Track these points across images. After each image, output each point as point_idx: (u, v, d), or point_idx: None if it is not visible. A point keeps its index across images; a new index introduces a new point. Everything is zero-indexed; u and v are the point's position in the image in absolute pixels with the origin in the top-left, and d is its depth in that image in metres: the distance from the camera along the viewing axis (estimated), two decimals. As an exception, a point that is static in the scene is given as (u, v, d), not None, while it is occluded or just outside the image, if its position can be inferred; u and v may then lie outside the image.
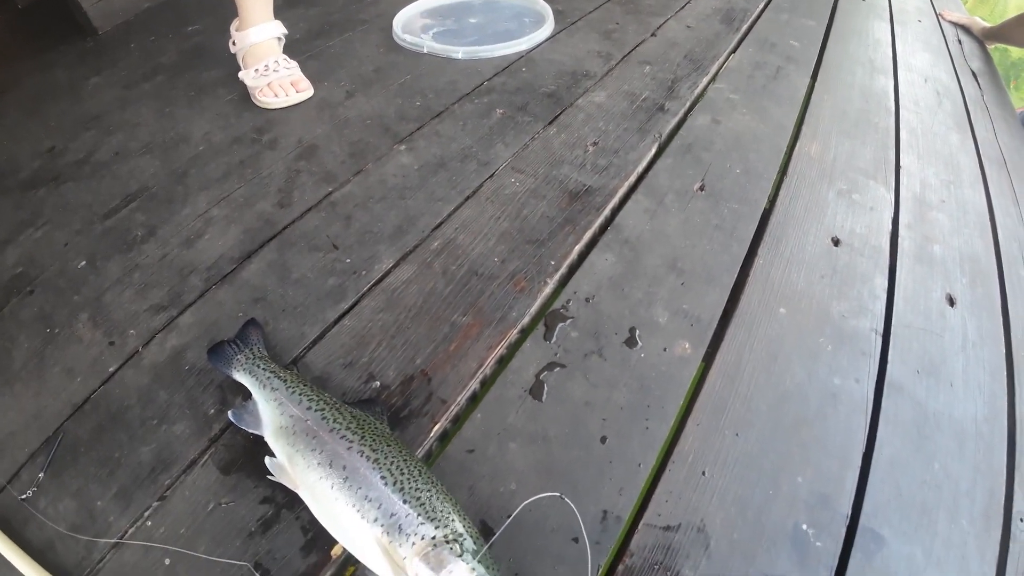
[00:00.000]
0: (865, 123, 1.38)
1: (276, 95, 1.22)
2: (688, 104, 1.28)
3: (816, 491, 0.68)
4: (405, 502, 0.54)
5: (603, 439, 0.70)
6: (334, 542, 0.59)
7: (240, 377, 0.69)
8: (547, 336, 0.80)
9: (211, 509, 0.62)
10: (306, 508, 0.59)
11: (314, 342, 0.78)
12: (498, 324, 0.80)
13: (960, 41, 2.21)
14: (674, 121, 1.22)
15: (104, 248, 0.92)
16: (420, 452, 0.68)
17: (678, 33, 1.57)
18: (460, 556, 0.52)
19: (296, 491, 0.59)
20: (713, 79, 1.40)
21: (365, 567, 0.55)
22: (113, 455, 0.67)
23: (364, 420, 0.62)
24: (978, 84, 1.94)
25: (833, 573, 0.63)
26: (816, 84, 1.47)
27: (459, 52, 1.40)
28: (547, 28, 1.51)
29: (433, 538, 0.53)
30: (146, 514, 0.62)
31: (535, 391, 0.74)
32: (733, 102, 1.31)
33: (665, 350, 0.80)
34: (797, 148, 1.22)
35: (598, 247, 0.93)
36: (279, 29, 1.25)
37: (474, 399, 0.74)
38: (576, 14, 1.64)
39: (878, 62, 1.70)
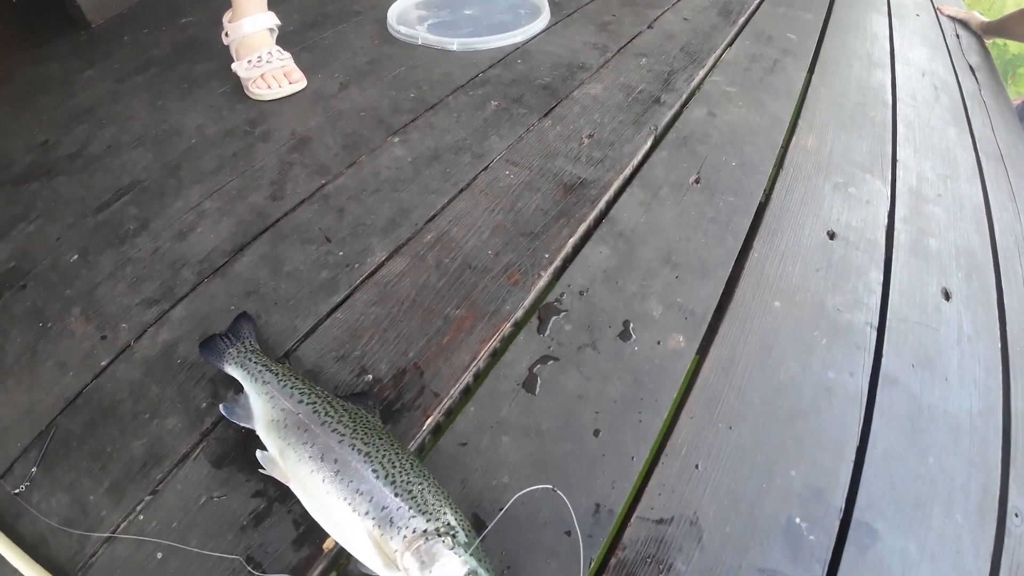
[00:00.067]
0: (862, 117, 1.37)
1: (269, 86, 1.21)
2: (684, 97, 1.27)
3: (810, 484, 0.68)
4: (397, 495, 0.54)
5: (596, 432, 0.70)
6: (326, 536, 0.58)
7: (232, 371, 0.68)
8: (541, 329, 0.80)
9: (203, 503, 0.62)
10: (298, 502, 0.59)
11: (306, 335, 0.78)
12: (491, 317, 0.80)
13: (958, 36, 2.20)
14: (670, 114, 1.21)
15: (96, 242, 0.92)
16: (413, 445, 0.68)
17: (675, 25, 1.56)
18: (452, 549, 0.52)
19: (288, 485, 0.59)
20: (710, 72, 1.39)
21: (357, 560, 0.55)
22: (105, 449, 0.67)
23: (356, 413, 0.62)
24: (975, 79, 1.93)
25: (826, 567, 0.63)
26: (813, 77, 1.46)
27: (454, 44, 1.39)
28: (543, 20, 1.50)
29: (425, 531, 0.52)
30: (138, 508, 0.62)
31: (528, 384, 0.73)
32: (729, 95, 1.31)
33: (659, 343, 0.79)
34: (793, 141, 1.22)
35: (592, 240, 0.93)
36: (272, 20, 1.24)
37: (467, 392, 0.74)
38: (572, 6, 1.64)
39: (875, 56, 1.69)
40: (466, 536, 0.53)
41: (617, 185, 1.03)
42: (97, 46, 1.46)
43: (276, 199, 0.98)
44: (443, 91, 1.26)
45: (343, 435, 0.59)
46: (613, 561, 0.60)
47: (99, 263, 0.88)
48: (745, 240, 0.96)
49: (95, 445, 0.67)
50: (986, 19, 2.32)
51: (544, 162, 1.07)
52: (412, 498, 0.54)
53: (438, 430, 0.71)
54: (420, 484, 0.55)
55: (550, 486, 0.63)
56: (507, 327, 0.80)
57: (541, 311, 0.82)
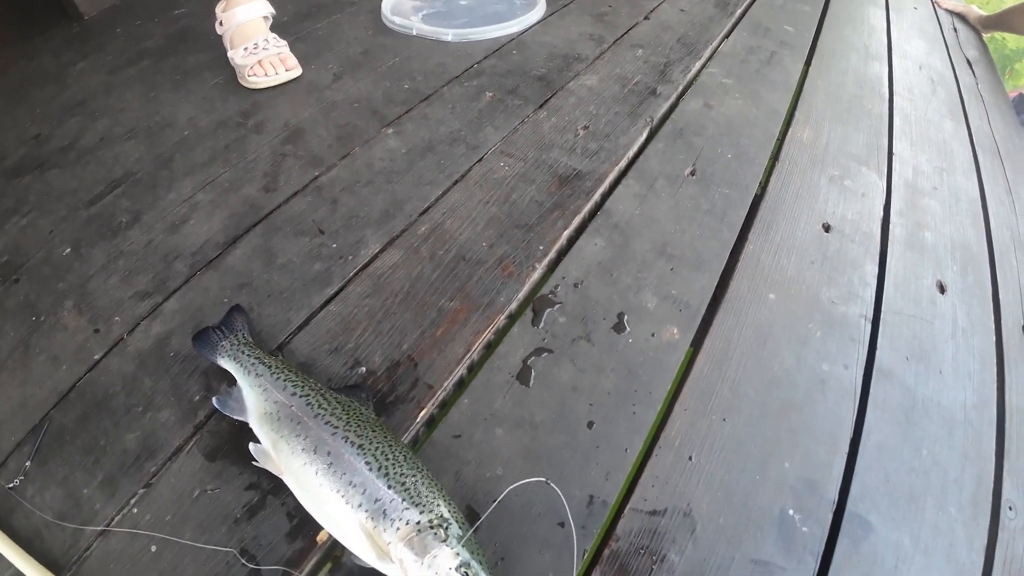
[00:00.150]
0: (858, 109, 1.37)
1: (267, 73, 1.21)
2: (680, 88, 1.27)
3: (803, 476, 0.69)
4: (390, 487, 0.54)
5: (590, 424, 0.70)
6: (320, 528, 0.58)
7: (225, 363, 0.68)
8: (535, 321, 0.80)
9: (196, 496, 0.62)
10: (292, 494, 0.59)
11: (299, 328, 0.78)
12: (485, 309, 0.80)
13: (955, 29, 2.20)
14: (666, 105, 1.21)
15: (89, 235, 0.91)
16: (406, 438, 0.68)
17: (671, 16, 1.56)
18: (445, 541, 0.52)
19: (281, 477, 0.59)
20: (706, 63, 1.39)
21: (351, 552, 0.55)
22: (99, 443, 0.67)
23: (349, 406, 0.62)
24: (973, 72, 1.93)
25: (819, 559, 0.63)
26: (810, 70, 1.46)
27: (449, 34, 1.38)
28: (539, 10, 1.50)
29: (418, 523, 0.52)
30: (132, 501, 0.62)
31: (522, 376, 0.73)
32: (726, 87, 1.30)
33: (653, 335, 0.79)
34: (789, 134, 1.21)
35: (587, 232, 0.93)
36: (266, 8, 1.23)
37: (461, 384, 0.74)
38: (568, -4, 1.62)
39: (873, 48, 1.69)
40: (459, 528, 0.53)
41: (612, 177, 1.03)
42: (90, 38, 1.44)
43: (269, 191, 0.98)
44: (437, 82, 1.25)
45: (336, 427, 0.59)
46: (607, 552, 0.60)
47: (92, 256, 0.88)
48: (740, 232, 0.96)
49: (88, 439, 0.67)
50: (984, 13, 2.31)
51: (539, 154, 1.06)
52: (405, 490, 0.54)
53: (432, 422, 0.71)
54: (413, 476, 0.55)
55: (544, 479, 0.63)
56: (501, 319, 0.80)
57: (535, 303, 0.82)
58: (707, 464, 0.68)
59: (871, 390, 0.79)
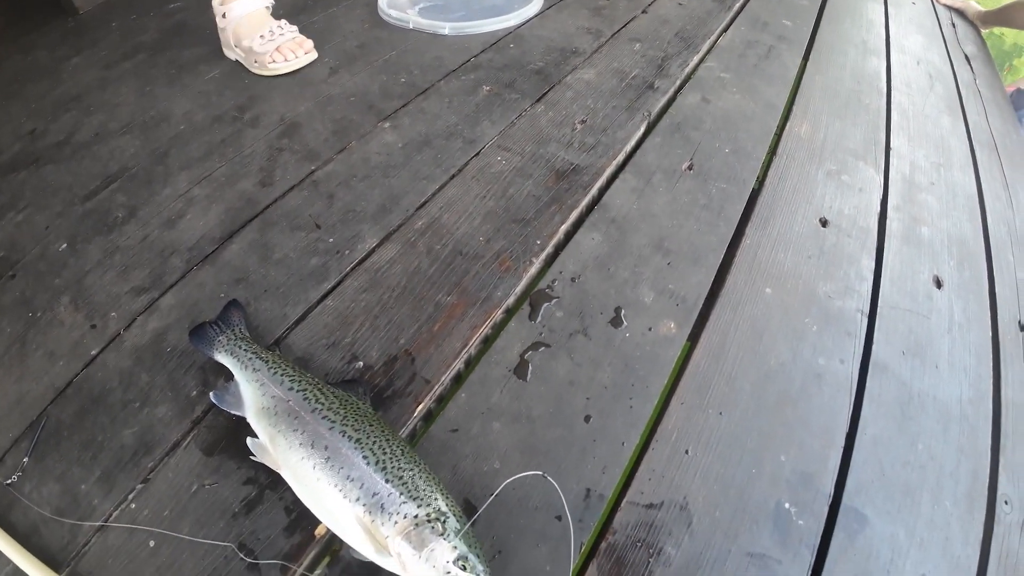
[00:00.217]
0: (856, 104, 1.37)
1: (286, 59, 1.22)
2: (678, 83, 1.27)
3: (799, 470, 0.69)
4: (387, 481, 0.54)
5: (587, 418, 0.70)
6: (318, 522, 0.59)
7: (222, 358, 0.68)
8: (532, 316, 0.80)
9: (194, 491, 0.62)
10: (289, 489, 0.59)
11: (296, 322, 0.78)
12: (483, 304, 0.80)
13: (954, 24, 2.19)
14: (664, 100, 1.21)
15: (85, 230, 0.91)
16: (404, 432, 0.68)
17: (669, 10, 1.55)
18: (443, 534, 0.52)
19: (279, 471, 0.59)
20: (704, 58, 1.38)
21: (349, 546, 0.55)
22: (96, 438, 0.67)
23: (346, 400, 0.62)
24: (971, 68, 1.92)
25: (815, 552, 0.63)
26: (808, 64, 1.46)
27: (446, 28, 1.38)
28: (536, 4, 1.49)
29: (415, 517, 0.53)
30: (130, 497, 0.62)
31: (519, 371, 0.73)
32: (724, 81, 1.30)
33: (650, 330, 0.79)
34: (787, 128, 1.21)
35: (584, 226, 0.92)
36: None
37: (458, 379, 0.74)
38: (566, -10, 1.62)
39: (871, 43, 1.68)
40: (457, 521, 0.53)
41: (610, 171, 1.03)
42: (84, 33, 1.44)
43: (265, 185, 0.97)
44: (434, 76, 1.24)
45: (333, 422, 0.59)
46: (603, 545, 0.61)
47: (88, 252, 0.88)
48: (737, 227, 0.96)
49: (86, 434, 0.67)
50: (983, 8, 2.30)
51: (536, 148, 1.06)
52: (403, 484, 0.54)
53: (429, 417, 0.71)
54: (411, 470, 0.56)
55: (541, 472, 0.63)
56: (498, 314, 0.80)
57: (532, 298, 0.82)
58: (703, 458, 0.68)
59: (867, 384, 0.80)
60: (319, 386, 0.63)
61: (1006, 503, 0.74)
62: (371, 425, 0.59)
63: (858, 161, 1.19)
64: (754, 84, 1.31)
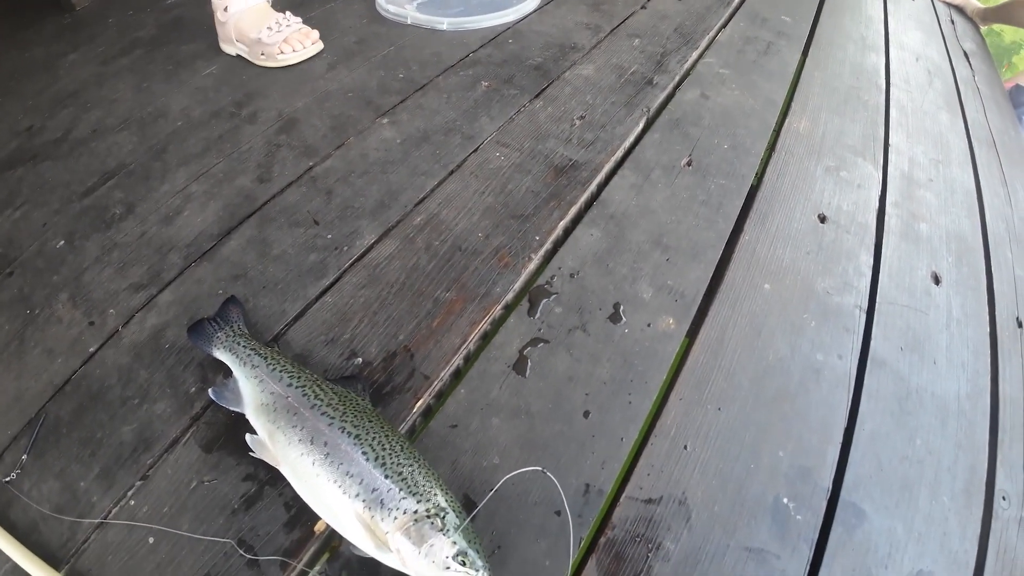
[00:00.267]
0: (855, 100, 1.37)
1: (295, 49, 1.23)
2: (677, 78, 1.26)
3: (797, 465, 0.69)
4: (387, 477, 0.54)
5: (586, 414, 0.70)
6: (317, 518, 0.59)
7: (220, 355, 0.68)
8: (531, 312, 0.80)
9: (194, 487, 0.62)
10: (289, 485, 0.59)
11: (295, 319, 0.78)
12: (482, 300, 0.80)
13: (953, 21, 2.19)
14: (662, 95, 1.21)
15: (83, 227, 0.91)
16: (403, 428, 0.68)
17: (668, 6, 1.55)
18: (442, 530, 0.52)
19: (278, 468, 0.59)
20: (703, 53, 1.38)
21: (349, 542, 0.55)
22: (95, 435, 0.67)
23: (345, 396, 0.62)
24: (970, 65, 1.92)
25: (813, 546, 0.64)
26: (807, 60, 1.45)
27: (444, 23, 1.37)
28: None
29: (415, 512, 0.53)
30: (129, 493, 0.62)
31: (518, 366, 0.74)
32: (723, 77, 1.29)
33: (649, 325, 0.80)
34: (786, 124, 1.21)
35: (583, 222, 0.92)
36: None
37: (457, 375, 0.74)
38: (565, -15, 1.61)
39: (870, 39, 1.68)
40: (456, 517, 0.53)
41: (608, 167, 1.03)
42: (81, 29, 1.43)
43: (263, 181, 0.97)
44: (433, 71, 1.24)
45: (333, 418, 0.59)
46: (602, 540, 0.61)
47: (85, 248, 0.87)
48: (736, 223, 0.96)
49: (85, 431, 0.67)
50: (982, 5, 2.30)
51: (535, 144, 1.06)
52: (402, 480, 0.54)
53: (428, 412, 0.71)
54: (410, 466, 0.56)
55: (540, 468, 0.63)
56: (497, 310, 0.80)
57: (531, 294, 0.82)
58: (702, 453, 0.68)
59: (865, 380, 0.80)
60: (318, 382, 0.63)
61: (1004, 499, 0.75)
62: (370, 421, 0.59)
63: (857, 157, 1.19)
64: (753, 80, 1.30)
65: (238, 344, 0.68)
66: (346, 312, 0.78)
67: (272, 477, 0.62)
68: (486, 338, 0.77)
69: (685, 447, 0.69)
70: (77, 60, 1.30)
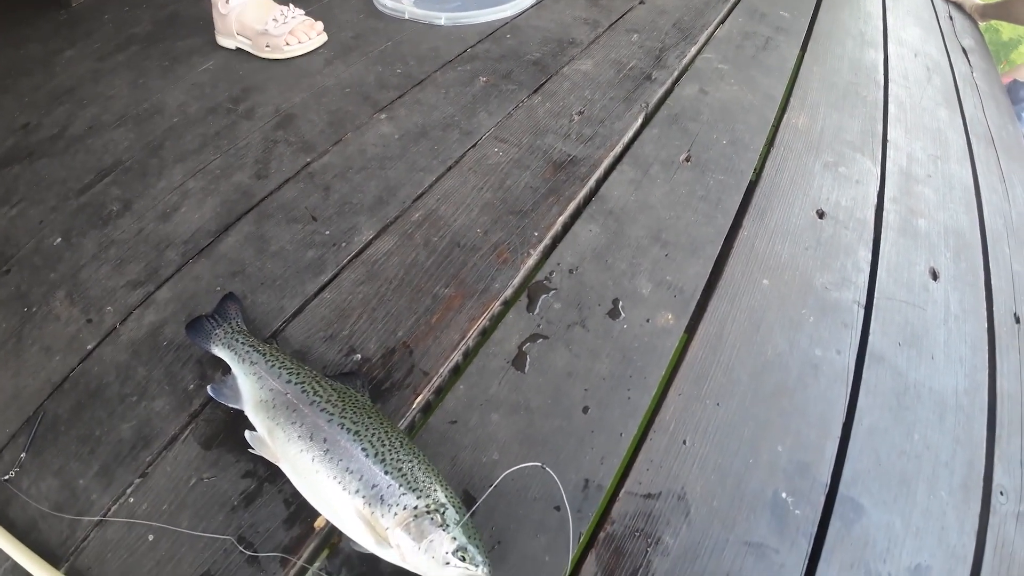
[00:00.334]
0: (854, 96, 1.37)
1: (300, 41, 1.23)
2: (676, 74, 1.26)
3: (796, 459, 0.69)
4: (387, 473, 0.54)
5: (585, 409, 0.70)
6: (317, 514, 0.59)
7: (219, 352, 0.68)
8: (530, 307, 0.80)
9: (193, 484, 0.62)
10: (288, 481, 0.59)
11: (293, 315, 0.77)
12: (480, 296, 0.80)
13: (951, 18, 2.19)
14: (661, 91, 1.20)
15: (80, 224, 0.90)
16: (403, 424, 0.68)
17: (667, 1, 1.54)
18: (442, 526, 0.52)
19: (277, 464, 0.59)
20: (702, 49, 1.38)
21: (349, 538, 0.55)
22: (94, 433, 0.67)
23: (345, 393, 0.62)
24: (968, 61, 1.92)
25: (812, 540, 0.64)
26: (805, 55, 1.45)
27: (442, 18, 1.37)
28: (532, -6, 1.48)
29: (415, 508, 0.53)
30: (128, 491, 0.62)
31: (518, 362, 0.74)
32: (721, 72, 1.29)
33: (648, 321, 0.80)
34: (785, 120, 1.21)
35: (582, 218, 0.92)
36: None
37: (456, 371, 0.74)
38: (563, -20, 1.60)
39: (868, 35, 1.68)
40: (456, 512, 0.53)
41: (607, 163, 1.02)
42: (77, 25, 1.42)
43: (261, 178, 0.97)
44: (430, 67, 1.24)
45: (332, 414, 0.58)
46: (602, 535, 0.61)
47: (83, 246, 0.87)
48: (735, 218, 0.96)
49: (83, 429, 0.67)
50: (981, 2, 2.30)
51: (534, 139, 1.06)
52: (402, 475, 0.54)
53: (428, 408, 0.71)
54: (410, 462, 0.56)
55: (539, 463, 0.63)
56: (496, 305, 0.80)
57: (530, 289, 0.82)
58: (701, 448, 0.68)
59: (863, 375, 0.80)
60: (317, 379, 0.63)
61: (1001, 493, 0.75)
62: (370, 417, 0.59)
63: (855, 153, 1.19)
64: (752, 75, 1.30)
65: (236, 341, 0.68)
66: (345, 308, 0.78)
67: (272, 474, 0.62)
68: (485, 334, 0.77)
69: (684, 442, 0.69)
70: (73, 56, 1.30)
